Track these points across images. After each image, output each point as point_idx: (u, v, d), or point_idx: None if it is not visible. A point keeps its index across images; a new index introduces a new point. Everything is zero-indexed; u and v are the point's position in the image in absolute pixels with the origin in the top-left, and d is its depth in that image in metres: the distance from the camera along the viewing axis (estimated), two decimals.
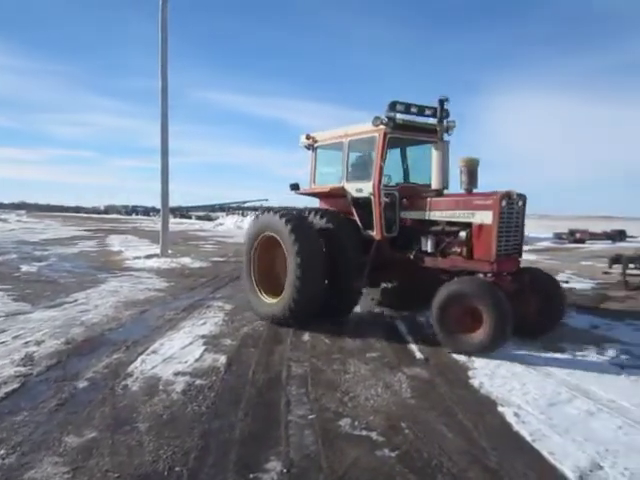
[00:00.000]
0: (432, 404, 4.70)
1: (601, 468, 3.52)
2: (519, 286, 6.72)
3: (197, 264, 15.67)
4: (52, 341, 6.48)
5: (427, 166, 8.01)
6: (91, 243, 24.00)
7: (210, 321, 7.86)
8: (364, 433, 4.07)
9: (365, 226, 7.68)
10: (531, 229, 18.09)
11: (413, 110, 7.33)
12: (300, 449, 3.78)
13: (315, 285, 7.27)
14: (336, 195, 8.15)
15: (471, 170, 6.90)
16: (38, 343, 6.36)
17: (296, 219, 7.52)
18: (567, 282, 12.03)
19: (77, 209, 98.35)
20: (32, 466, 3.46)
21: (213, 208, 69.62)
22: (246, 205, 65.43)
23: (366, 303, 8.81)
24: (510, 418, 4.37)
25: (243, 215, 51.68)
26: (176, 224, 45.70)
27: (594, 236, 32.00)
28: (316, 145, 8.71)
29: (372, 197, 7.42)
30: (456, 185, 7.30)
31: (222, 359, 5.91)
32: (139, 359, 5.85)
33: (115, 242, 24.43)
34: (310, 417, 4.36)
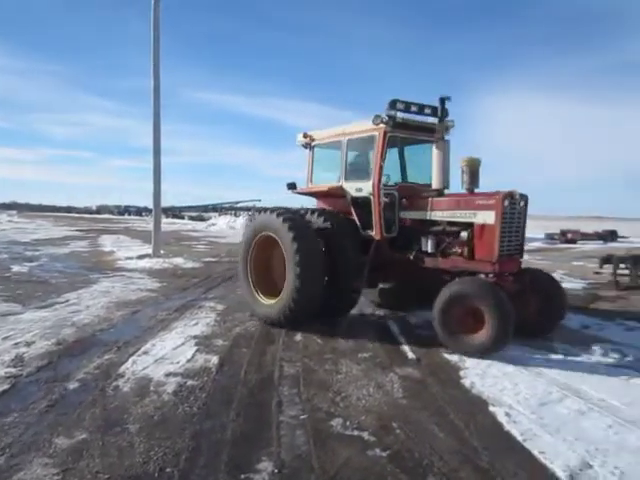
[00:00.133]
0: (424, 404, 4.71)
1: (591, 467, 3.54)
2: (520, 286, 6.70)
3: (189, 264, 15.62)
4: (43, 342, 6.43)
5: (426, 165, 7.98)
6: (83, 243, 23.87)
7: (202, 321, 7.83)
8: (356, 433, 4.07)
9: (364, 226, 7.62)
10: None
11: (413, 109, 7.27)
12: (292, 449, 3.78)
13: (315, 284, 7.18)
14: (334, 195, 8.09)
15: (473, 170, 6.84)
16: (28, 344, 6.32)
17: (294, 218, 7.45)
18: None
19: (69, 209, 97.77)
20: (21, 468, 3.43)
21: (206, 208, 69.47)
22: (239, 205, 65.37)
23: (359, 303, 8.79)
24: (501, 418, 4.39)
25: (236, 215, 51.65)
26: (168, 224, 45.57)
27: (585, 236, 32.25)
28: (313, 144, 8.63)
29: (372, 197, 7.36)
30: (456, 185, 7.31)
31: (214, 359, 5.90)
32: (130, 360, 5.82)
33: (107, 242, 24.31)
34: (302, 417, 4.36)
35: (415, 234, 7.41)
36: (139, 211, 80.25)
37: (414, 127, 7.64)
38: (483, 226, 6.49)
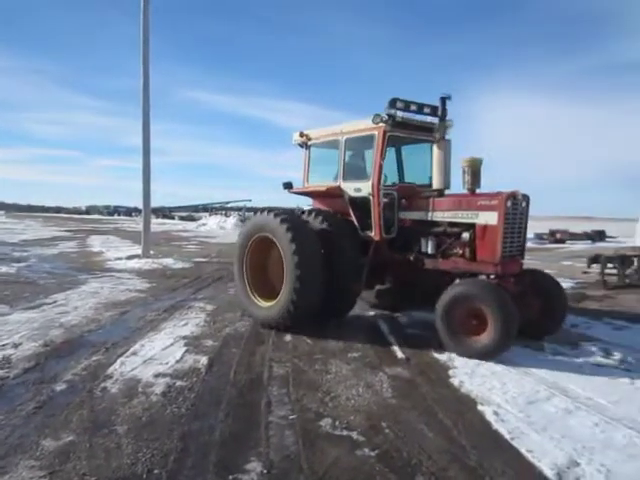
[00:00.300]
0: (413, 403, 4.72)
1: (578, 465, 3.57)
2: (521, 288, 6.63)
3: (179, 265, 15.55)
4: (30, 343, 6.38)
5: (424, 165, 7.94)
6: (72, 244, 23.70)
7: (192, 322, 7.80)
8: (345, 433, 4.08)
9: (363, 227, 7.52)
10: None
11: (413, 108, 7.17)
12: (280, 450, 3.77)
13: (314, 285, 7.03)
14: (332, 195, 7.95)
15: (474, 170, 6.73)
16: (15, 345, 6.27)
17: (292, 218, 7.32)
18: None
19: (58, 209, 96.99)
20: (7, 470, 3.40)
21: (196, 208, 69.26)
22: (229, 205, 65.23)
23: None
24: (489, 416, 4.41)
25: (226, 215, 51.49)
26: (159, 224, 45.40)
27: (574, 236, 32.49)
28: (310, 143, 8.49)
29: (371, 197, 7.26)
30: (455, 185, 7.23)
31: (203, 360, 5.88)
32: (119, 361, 5.79)
33: (96, 243, 24.16)
34: (291, 417, 4.35)
35: (415, 235, 7.33)
36: (129, 211, 79.81)
37: (413, 126, 7.53)
38: (485, 227, 6.41)
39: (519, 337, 6.09)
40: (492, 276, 6.46)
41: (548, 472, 3.47)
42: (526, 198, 6.64)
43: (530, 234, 33.59)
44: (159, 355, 6.03)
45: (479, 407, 4.63)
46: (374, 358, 6.12)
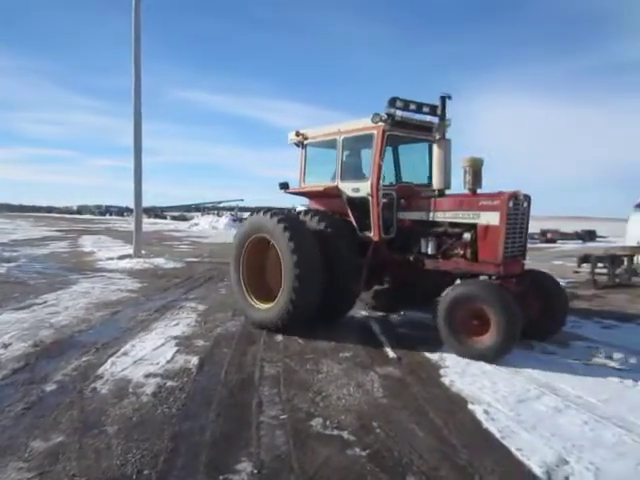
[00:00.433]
0: (404, 403, 4.73)
1: (567, 463, 3.59)
2: (523, 288, 6.58)
3: (171, 265, 15.50)
4: (20, 344, 6.34)
5: (421, 165, 7.91)
6: (63, 244, 23.57)
7: (183, 322, 7.78)
8: (335, 433, 4.08)
9: (361, 227, 7.42)
10: None
11: (412, 107, 7.10)
12: (271, 450, 3.76)
13: (313, 286, 6.93)
14: (329, 195, 7.84)
15: (476, 170, 6.67)
16: (5, 346, 6.22)
17: (289, 218, 7.25)
18: None
19: (49, 209, 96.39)
20: None
21: (189, 208, 69.11)
22: (222, 205, 65.11)
23: None
24: (480, 415, 4.42)
25: (218, 215, 51.40)
26: (151, 224, 45.24)
27: (565, 236, 32.70)
28: (306, 142, 8.35)
29: (370, 197, 7.17)
30: (455, 184, 7.16)
31: (194, 360, 5.86)
32: (109, 361, 5.76)
33: (87, 243, 24.04)
34: (282, 417, 4.35)
35: (414, 235, 7.26)
36: (121, 211, 79.49)
37: (412, 126, 7.46)
38: (487, 227, 6.35)
39: (522, 338, 6.07)
40: (494, 277, 6.40)
41: (537, 470, 3.49)
42: (527, 198, 6.60)
43: None
44: (150, 355, 6.00)
45: (470, 406, 4.65)
46: (365, 358, 6.13)
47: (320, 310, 7.21)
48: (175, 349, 6.28)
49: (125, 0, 16.61)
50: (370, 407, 4.62)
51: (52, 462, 3.52)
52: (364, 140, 7.46)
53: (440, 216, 6.95)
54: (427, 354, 6.23)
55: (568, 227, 37.11)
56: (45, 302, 9.05)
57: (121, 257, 16.56)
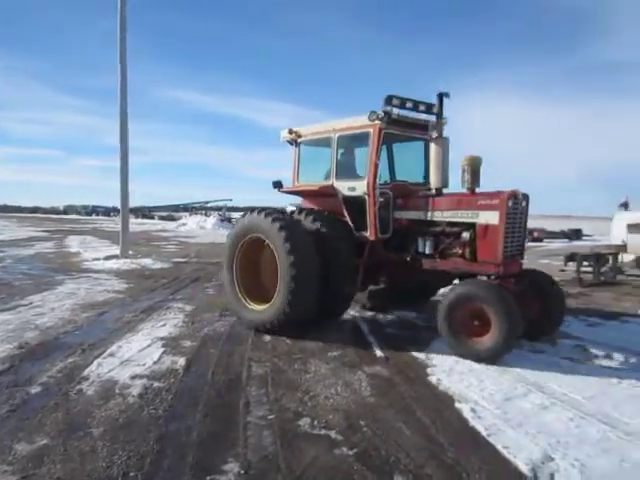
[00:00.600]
0: (391, 402, 4.74)
1: (552, 460, 3.62)
2: (521, 288, 6.55)
3: (158, 265, 15.39)
4: (4, 345, 6.27)
5: (415, 163, 7.85)
6: (49, 244, 23.32)
7: (170, 322, 7.73)
8: (323, 432, 4.08)
9: (357, 227, 7.31)
10: None
11: (409, 105, 7.06)
12: (258, 450, 3.76)
13: (310, 286, 6.83)
14: (324, 194, 7.69)
15: (474, 169, 6.60)
16: None
17: (285, 218, 7.13)
18: None
19: (35, 209, 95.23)
20: None
21: (176, 208, 68.63)
22: (209, 205, 64.76)
23: None
24: (467, 414, 4.45)
25: (206, 215, 51.13)
26: (138, 224, 44.92)
27: (551, 235, 32.94)
28: (300, 140, 8.19)
29: (366, 196, 7.08)
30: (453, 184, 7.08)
31: (181, 361, 5.83)
32: (95, 362, 5.71)
33: (74, 243, 23.81)
34: (269, 417, 4.34)
35: (411, 235, 7.21)
36: (107, 211, 78.74)
37: (408, 124, 7.39)
38: (486, 227, 6.29)
39: (521, 338, 6.09)
40: (493, 277, 6.38)
41: (523, 467, 3.52)
42: (526, 197, 6.57)
43: None
44: (136, 356, 5.96)
45: (457, 404, 4.67)
46: (353, 357, 6.13)
47: (316, 311, 7.13)
48: (162, 350, 6.24)
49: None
50: (358, 406, 4.63)
51: (36, 465, 3.49)
52: (360, 138, 7.37)
53: (438, 215, 6.88)
54: (415, 353, 6.25)
55: (554, 226, 37.40)
56: (31, 303, 8.95)
57: (108, 258, 16.41)
